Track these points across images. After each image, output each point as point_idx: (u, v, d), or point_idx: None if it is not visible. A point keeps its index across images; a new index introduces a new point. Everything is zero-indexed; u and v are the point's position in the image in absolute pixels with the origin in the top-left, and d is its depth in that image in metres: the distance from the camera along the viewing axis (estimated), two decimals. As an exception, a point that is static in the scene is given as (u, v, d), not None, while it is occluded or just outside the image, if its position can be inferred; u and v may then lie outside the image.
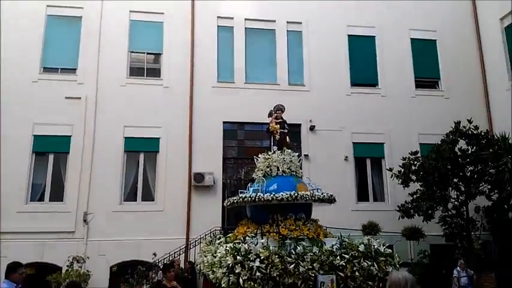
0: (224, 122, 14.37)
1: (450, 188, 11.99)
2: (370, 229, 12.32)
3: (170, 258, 11.60)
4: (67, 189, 12.99)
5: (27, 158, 12.95)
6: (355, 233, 10.49)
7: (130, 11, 14.66)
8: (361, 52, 15.64)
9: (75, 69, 14.01)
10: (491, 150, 10.66)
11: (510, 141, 10.28)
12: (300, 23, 15.58)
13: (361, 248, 7.29)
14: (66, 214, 12.68)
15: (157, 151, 13.85)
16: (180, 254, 12.18)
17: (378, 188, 14.76)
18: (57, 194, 13.01)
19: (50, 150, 13.36)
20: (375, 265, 7.12)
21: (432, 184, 11.73)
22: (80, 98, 13.59)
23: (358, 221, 12.70)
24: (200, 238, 12.13)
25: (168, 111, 13.99)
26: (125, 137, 13.70)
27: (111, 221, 12.79)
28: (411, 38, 15.98)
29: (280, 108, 10.30)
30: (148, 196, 13.64)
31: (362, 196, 14.45)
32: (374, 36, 15.86)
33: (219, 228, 12.60)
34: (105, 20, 14.35)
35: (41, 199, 12.98)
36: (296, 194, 8.38)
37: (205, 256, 9.40)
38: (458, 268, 10.52)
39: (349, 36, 15.69)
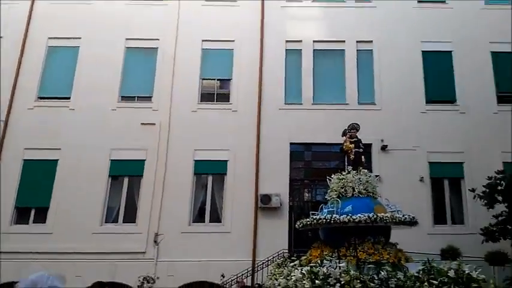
0: (291, 144, 14.26)
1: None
2: (450, 253, 11.39)
3: (237, 280, 11.51)
4: (139, 211, 13.42)
5: (104, 181, 13.65)
6: (433, 258, 9.77)
7: (203, 40, 15.26)
8: (437, 68, 14.99)
9: (150, 97, 14.73)
10: None
11: None
12: (371, 41, 15.29)
13: (451, 273, 6.64)
14: (137, 235, 13.06)
15: (225, 173, 14.00)
16: (247, 276, 12.04)
17: (457, 210, 13.72)
18: (130, 216, 13.47)
19: (125, 174, 13.97)
20: (468, 293, 6.45)
21: (522, 205, 10.68)
22: (154, 124, 14.21)
23: (435, 245, 11.80)
24: (268, 261, 11.94)
25: (236, 134, 14.18)
26: (195, 160, 14.02)
27: (180, 241, 12.96)
28: (491, 51, 15.03)
29: (354, 127, 10.00)
30: (215, 218, 13.74)
31: (439, 219, 13.51)
32: (451, 51, 15.13)
33: (286, 251, 12.33)
34: (179, 49, 15.06)
35: (115, 221, 13.51)
36: (375, 216, 7.98)
37: (276, 279, 9.18)
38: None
39: (424, 52, 15.12)
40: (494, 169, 12.06)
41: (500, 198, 11.14)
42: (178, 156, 13.85)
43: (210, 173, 14.17)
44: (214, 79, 15.26)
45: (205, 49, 15.24)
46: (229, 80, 15.06)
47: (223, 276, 11.47)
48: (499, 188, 11.10)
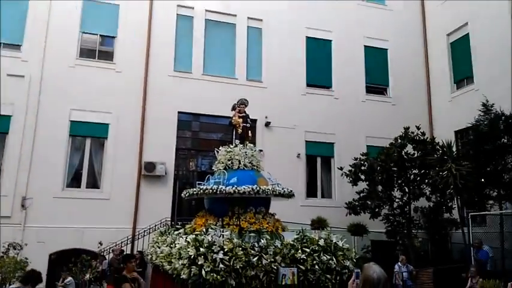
0: (179, 112, 14.09)
1: (395, 189, 12.68)
2: (319, 224, 12.72)
3: (113, 249, 11.23)
4: (4, 171, 12.07)
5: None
6: (304, 227, 10.80)
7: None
8: (318, 54, 16.06)
9: (19, 45, 13.01)
10: (436, 156, 11.44)
11: (454, 149, 11.08)
12: (261, 20, 15.65)
13: (321, 242, 7.49)
14: (2, 198, 11.70)
15: (106, 137, 13.29)
16: (127, 244, 11.82)
17: (326, 185, 15.28)
18: (-8, 176, 12.00)
19: (-15, 129, 12.26)
20: (334, 259, 7.35)
21: (379, 184, 12.35)
22: (23, 76, 12.64)
23: (306, 216, 13.03)
24: (150, 228, 11.85)
25: (120, 97, 13.47)
26: (71, 121, 13.00)
27: (52, 207, 12.08)
28: (365, 45, 16.66)
29: (243, 103, 10.25)
30: (94, 183, 13.06)
31: (311, 192, 14.90)
32: (331, 41, 16.32)
33: (169, 219, 12.37)
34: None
35: (-26, 181, 11.90)
36: (258, 188, 8.40)
37: (159, 247, 9.19)
38: (399, 263, 11.17)
39: (308, 38, 16.02)
40: (360, 151, 13.69)
41: (363, 177, 12.69)
42: (51, 115, 12.67)
43: (88, 136, 13.33)
44: (97, 34, 14.13)
45: (87, 0, 13.93)
46: (114, 37, 14.11)
47: (100, 243, 11.06)
48: (363, 168, 12.64)
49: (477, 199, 10.87)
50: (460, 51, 15.50)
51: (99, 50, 14.11)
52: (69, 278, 10.60)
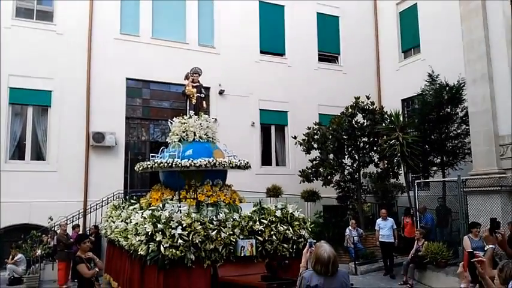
0: (128, 79, 13.49)
1: (346, 157, 13.14)
2: (274, 192, 13.00)
3: (67, 222, 10.85)
4: None
5: None
6: (260, 196, 11.03)
7: None
8: (271, 21, 15.83)
9: None
10: (384, 125, 11.89)
11: (400, 119, 11.57)
12: (213, -18, 15.03)
13: (278, 213, 7.65)
14: None
15: (49, 105, 12.52)
16: (79, 218, 11.47)
17: (281, 153, 15.52)
18: None
19: None
20: (290, 229, 7.56)
21: (331, 152, 12.72)
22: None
23: (262, 184, 13.25)
24: (102, 201, 11.52)
25: (62, 61, 12.61)
26: (10, 87, 12.06)
27: (-6, 181, 11.31)
28: (317, 12, 16.60)
29: (197, 71, 9.99)
30: (38, 155, 12.39)
31: (266, 161, 15.09)
32: (283, 6, 16.08)
33: (121, 192, 12.08)
34: None
35: None
36: (215, 161, 8.36)
37: (113, 222, 9.00)
38: (350, 227, 11.75)
39: (261, 2, 15.67)
40: (312, 119, 13.93)
41: (315, 146, 12.99)
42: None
43: (30, 104, 12.48)
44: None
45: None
46: (53, -5, 13.01)
47: (51, 218, 10.62)
48: (315, 137, 12.90)
49: (422, 166, 11.51)
50: (409, 21, 15.89)
51: (37, 10, 12.98)
52: (20, 255, 10.23)
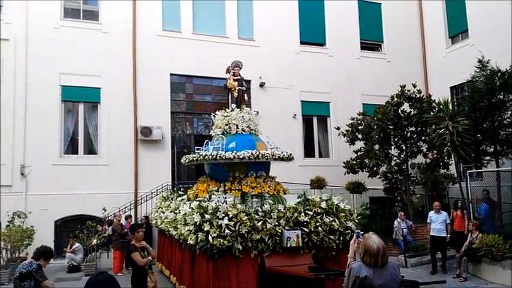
0: (171, 74, 13.80)
1: (392, 147, 12.81)
2: (318, 183, 12.91)
3: (120, 213, 11.35)
4: (0, 141, 11.76)
5: None
6: (303, 187, 10.99)
7: None
8: (311, 11, 15.64)
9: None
10: (432, 113, 11.47)
11: (449, 107, 11.10)
12: (251, -25, 15.02)
13: (323, 205, 7.60)
14: (1, 167, 11.61)
15: (99, 102, 13.04)
16: (130, 209, 11.96)
17: (324, 145, 15.37)
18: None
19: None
20: (336, 220, 7.50)
21: (376, 143, 12.44)
22: (8, 39, 12.14)
23: (305, 176, 13.21)
24: (152, 193, 11.94)
25: (109, 59, 13.11)
26: (62, 85, 12.66)
27: (51, 174, 12.02)
28: (358, 0, 16.18)
29: (238, 65, 10.07)
30: (90, 150, 12.99)
31: (308, 152, 15.00)
32: (324, -4, 15.83)
33: (169, 183, 12.44)
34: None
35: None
36: (258, 153, 8.42)
37: (163, 212, 9.31)
38: (398, 219, 11.48)
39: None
40: (356, 109, 13.67)
41: (360, 136, 12.75)
42: (41, 80, 12.29)
43: (80, 101, 13.06)
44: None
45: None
46: (97, -5, 13.49)
47: (104, 209, 11.16)
48: (360, 127, 12.65)
49: (474, 155, 11.02)
50: (455, 5, 15.17)
51: (83, 10, 13.52)
52: (77, 244, 10.84)
